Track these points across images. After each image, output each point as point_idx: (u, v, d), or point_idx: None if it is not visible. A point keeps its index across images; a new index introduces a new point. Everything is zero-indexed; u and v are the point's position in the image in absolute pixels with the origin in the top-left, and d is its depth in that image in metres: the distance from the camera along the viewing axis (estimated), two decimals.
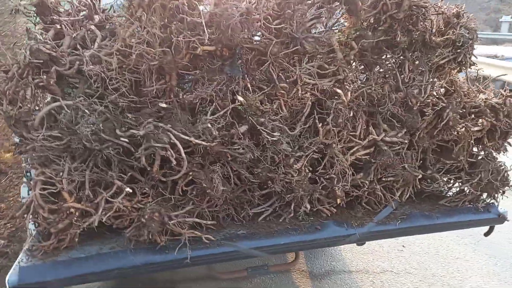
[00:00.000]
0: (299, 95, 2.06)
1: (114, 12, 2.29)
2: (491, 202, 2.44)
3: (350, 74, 2.14)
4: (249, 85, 2.01)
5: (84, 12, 2.28)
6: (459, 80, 2.35)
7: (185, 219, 1.97)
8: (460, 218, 2.35)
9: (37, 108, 1.93)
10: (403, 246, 4.04)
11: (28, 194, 2.10)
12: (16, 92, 1.88)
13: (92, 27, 2.07)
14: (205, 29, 1.82)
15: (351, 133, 2.16)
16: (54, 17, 2.19)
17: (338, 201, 2.26)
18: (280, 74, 2.08)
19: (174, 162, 1.86)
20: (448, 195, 2.54)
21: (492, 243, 3.97)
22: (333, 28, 2.21)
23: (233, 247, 2.01)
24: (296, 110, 2.14)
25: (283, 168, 2.11)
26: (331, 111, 2.08)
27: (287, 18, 2.01)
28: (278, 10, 2.01)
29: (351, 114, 2.12)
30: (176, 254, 1.90)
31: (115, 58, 1.80)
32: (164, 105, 1.90)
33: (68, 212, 1.87)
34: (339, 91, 2.06)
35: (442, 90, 2.35)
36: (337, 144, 2.16)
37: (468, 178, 2.39)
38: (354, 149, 2.17)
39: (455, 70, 2.31)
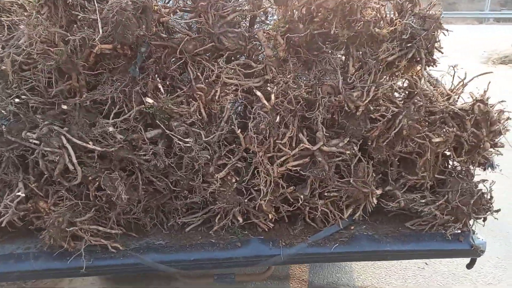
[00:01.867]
0: (216, 97, 1.85)
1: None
2: (464, 230, 2.00)
3: (280, 74, 1.87)
4: (160, 86, 1.85)
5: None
6: (425, 81, 1.94)
7: (89, 226, 1.89)
8: (418, 246, 1.96)
9: None
10: (426, 263, 3.54)
11: None
12: None
13: (22, 26, 2.06)
14: (100, 26, 1.69)
15: (279, 142, 1.89)
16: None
17: (270, 216, 2.01)
18: (198, 73, 1.89)
19: (71, 167, 1.78)
20: (420, 216, 2.14)
21: None
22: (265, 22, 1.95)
23: (138, 259, 1.89)
24: (217, 114, 1.93)
25: (202, 177, 1.93)
26: (252, 116, 1.84)
27: (201, 11, 1.81)
28: (192, 2, 1.82)
29: (277, 120, 1.86)
30: (73, 262, 1.83)
31: (9, 58, 1.75)
32: (65, 107, 1.82)
33: None
34: (258, 93, 1.81)
35: (400, 92, 1.96)
36: (264, 153, 1.91)
37: (433, 199, 1.98)
38: (282, 159, 1.90)
39: (418, 68, 1.91)
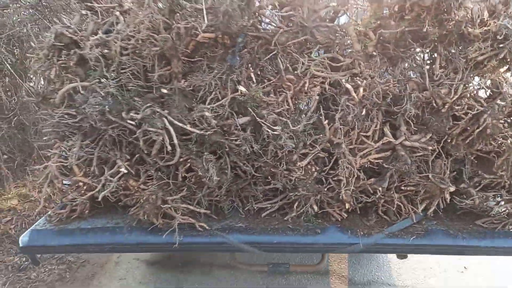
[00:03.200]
0: (306, 88, 1.94)
1: None
2: None
3: (367, 68, 1.94)
4: (252, 75, 1.95)
5: None
6: (509, 82, 1.98)
7: (180, 204, 2.01)
8: (494, 243, 2.00)
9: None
10: (464, 267, 3.57)
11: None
12: (44, 72, 2.09)
13: (117, 13, 2.19)
14: (205, 15, 1.80)
15: (363, 134, 1.96)
16: (92, 4, 2.37)
17: (347, 205, 2.09)
18: (288, 65, 1.98)
19: (169, 148, 1.90)
20: (491, 215, 2.18)
21: None
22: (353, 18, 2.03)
23: (223, 239, 2.00)
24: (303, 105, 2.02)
25: (285, 165, 2.02)
26: (340, 108, 1.92)
27: (297, 5, 1.90)
28: None
29: (364, 113, 1.93)
30: (166, 238, 1.95)
31: (119, 42, 1.88)
32: (165, 91, 1.94)
33: (77, 185, 2.04)
34: (348, 86, 1.89)
35: (484, 91, 2.01)
36: (347, 145, 1.99)
37: (509, 198, 2.02)
38: (365, 151, 1.98)
39: (503, 69, 1.95)
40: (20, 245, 1.97)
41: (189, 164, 2.02)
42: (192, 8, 1.82)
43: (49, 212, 2.21)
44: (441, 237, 2.01)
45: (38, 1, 4.23)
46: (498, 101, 1.94)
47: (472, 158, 2.13)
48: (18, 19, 4.36)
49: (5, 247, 3.68)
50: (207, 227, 2.03)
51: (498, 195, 2.09)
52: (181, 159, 2.00)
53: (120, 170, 1.91)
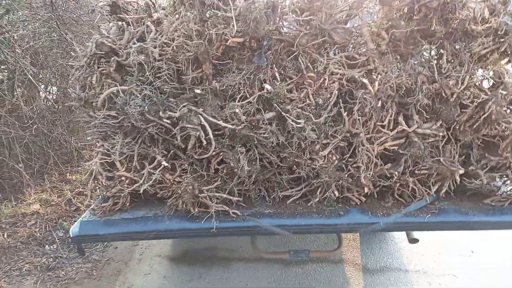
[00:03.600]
0: (326, 84, 2.15)
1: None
2: None
3: (381, 65, 2.14)
4: (276, 74, 2.16)
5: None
6: (510, 72, 2.18)
7: (214, 193, 2.22)
8: (502, 218, 2.20)
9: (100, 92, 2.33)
10: (472, 251, 3.77)
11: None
12: (85, 78, 2.30)
13: (148, 23, 2.40)
14: (234, 23, 2.01)
15: (379, 123, 2.17)
16: (123, 15, 2.59)
17: (365, 189, 2.29)
18: (308, 64, 2.18)
19: (205, 142, 2.11)
20: (496, 194, 2.39)
21: None
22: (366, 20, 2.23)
23: (256, 223, 2.20)
24: (324, 99, 2.22)
25: (308, 154, 2.23)
26: (357, 101, 2.12)
27: (315, 10, 2.11)
28: (307, 2, 2.11)
29: (379, 104, 2.14)
30: (203, 223, 2.16)
31: (156, 49, 2.09)
32: (198, 91, 2.15)
33: (120, 179, 2.25)
34: (365, 80, 2.09)
35: (487, 82, 2.21)
36: (364, 134, 2.19)
37: None
38: (382, 139, 2.18)
39: (504, 61, 2.16)
40: (71, 235, 2.18)
41: (221, 157, 2.23)
42: (222, 16, 2.03)
43: (91, 206, 2.41)
44: (453, 214, 2.21)
45: (51, 14, 4.45)
46: (501, 90, 2.14)
47: (478, 142, 2.33)
48: (35, 32, 4.58)
49: (32, 249, 3.88)
50: (239, 213, 2.24)
51: (504, 175, 2.29)
52: (214, 153, 2.20)
53: (162, 163, 2.11)
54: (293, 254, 2.67)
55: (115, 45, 2.24)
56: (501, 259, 3.52)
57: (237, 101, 2.13)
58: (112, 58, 2.23)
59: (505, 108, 2.15)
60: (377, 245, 3.84)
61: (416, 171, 2.27)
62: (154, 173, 2.12)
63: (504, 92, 2.12)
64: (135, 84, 2.25)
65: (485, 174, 2.30)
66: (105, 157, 2.23)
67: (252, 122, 2.18)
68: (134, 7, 2.71)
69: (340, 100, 2.20)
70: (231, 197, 2.24)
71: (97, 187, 2.41)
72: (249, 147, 2.24)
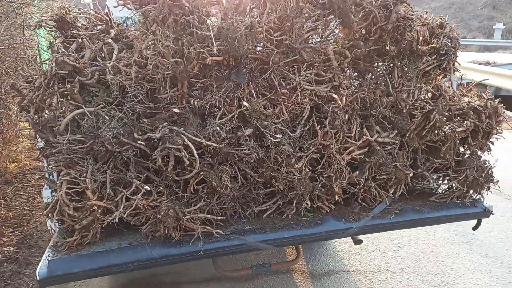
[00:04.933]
0: (299, 100, 2.26)
1: (127, 26, 2.50)
2: (477, 197, 2.64)
3: (345, 80, 2.34)
4: (253, 92, 2.21)
5: (100, 26, 2.50)
6: (444, 85, 2.56)
7: (197, 215, 2.16)
8: (449, 212, 2.54)
9: (61, 115, 2.11)
10: (399, 246, 4.23)
11: (52, 195, 2.28)
12: (42, 100, 2.07)
13: (109, 40, 2.27)
14: (213, 41, 2.02)
15: (347, 135, 2.36)
16: (74, 32, 2.40)
17: (336, 197, 2.45)
18: (281, 81, 2.28)
19: (187, 162, 2.05)
20: (437, 192, 2.74)
21: (484, 242, 4.19)
22: (328, 39, 2.43)
23: (242, 240, 2.19)
24: (296, 114, 2.33)
25: (285, 168, 2.31)
26: (328, 114, 2.28)
27: (286, 30, 2.23)
28: (279, 23, 2.22)
29: (347, 117, 2.32)
30: (190, 247, 2.08)
31: (133, 68, 1.99)
32: (177, 110, 2.09)
33: (91, 209, 2.05)
34: (335, 96, 2.26)
35: (429, 94, 2.56)
36: (334, 145, 2.35)
37: (455, 175, 2.59)
38: (350, 149, 2.37)
39: (440, 76, 2.53)
40: (38, 278, 1.91)
41: (201, 176, 2.18)
42: (201, 34, 2.02)
43: (50, 243, 2.15)
44: (411, 213, 2.49)
45: None
46: (441, 100, 2.50)
47: (423, 147, 2.66)
48: None
49: None
50: (222, 233, 2.21)
51: (445, 175, 2.65)
52: (193, 172, 2.15)
53: (144, 188, 1.99)
54: (256, 268, 2.71)
55: (78, 63, 2.07)
56: (421, 248, 4.11)
57: (217, 119, 2.13)
58: (76, 78, 2.05)
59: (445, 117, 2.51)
60: (318, 251, 4.08)
61: (377, 177, 2.51)
62: (132, 199, 1.99)
63: (444, 103, 2.48)
64: (102, 105, 2.10)
65: (431, 175, 2.64)
66: (72, 186, 2.03)
67: (231, 140, 2.19)
68: (83, 23, 2.53)
69: (314, 114, 2.33)
70: (214, 217, 2.21)
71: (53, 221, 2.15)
72: (229, 164, 2.24)
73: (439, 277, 3.60)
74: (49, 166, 2.09)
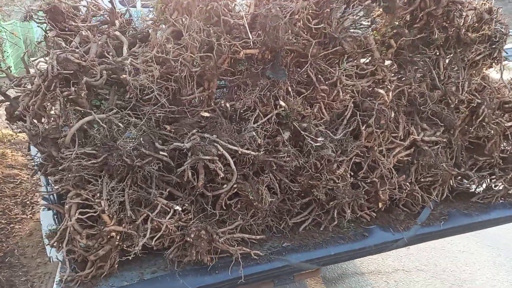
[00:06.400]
0: (341, 97, 1.98)
1: (135, 17, 2.14)
2: None
3: (389, 73, 2.07)
4: (290, 89, 1.91)
5: (100, 17, 2.13)
6: (490, 76, 2.33)
7: (233, 235, 1.84)
8: (498, 214, 2.33)
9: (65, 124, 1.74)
10: (408, 247, 4.02)
11: (54, 219, 1.90)
12: (42, 107, 1.70)
13: (117, 33, 1.91)
14: (248, 32, 1.70)
15: (393, 134, 2.09)
16: (70, 24, 2.02)
17: (380, 205, 2.18)
18: (318, 76, 1.99)
19: (221, 175, 1.73)
20: (477, 192, 2.52)
21: (492, 235, 4.02)
22: (368, 27, 2.15)
23: (283, 262, 1.90)
24: (336, 114, 2.05)
25: (326, 175, 2.02)
26: (373, 112, 2.00)
27: (325, 17, 1.93)
28: (317, 9, 1.92)
29: (393, 115, 2.05)
30: (229, 274, 1.77)
31: (155, 65, 1.65)
32: (206, 114, 1.77)
33: (109, 236, 1.71)
34: (381, 91, 1.99)
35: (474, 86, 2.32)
36: (380, 146, 2.08)
37: (501, 174, 2.37)
38: (396, 150, 2.11)
39: (486, 66, 2.30)
40: None
41: (235, 190, 1.87)
42: (234, 23, 1.70)
43: (57, 278, 1.79)
44: (460, 217, 2.25)
45: None
46: (488, 93, 2.26)
47: (466, 144, 2.43)
48: None
49: None
50: (261, 254, 1.91)
51: (490, 174, 2.43)
52: (225, 186, 1.84)
53: (175, 208, 1.66)
54: (278, 282, 2.43)
55: (85, 61, 1.70)
56: (431, 244, 3.86)
57: (252, 122, 1.81)
58: (84, 79, 1.68)
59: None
60: None
61: (422, 179, 2.26)
62: (158, 221, 1.66)
63: (492, 95, 2.25)
64: (114, 110, 1.75)
65: (475, 174, 2.42)
66: (85, 210, 1.67)
67: (268, 146, 1.88)
68: (80, 13, 2.16)
69: (357, 113, 2.05)
70: (253, 236, 1.90)
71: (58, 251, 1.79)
72: (265, 174, 1.93)
73: (456, 274, 3.44)
74: (54, 187, 1.72)
